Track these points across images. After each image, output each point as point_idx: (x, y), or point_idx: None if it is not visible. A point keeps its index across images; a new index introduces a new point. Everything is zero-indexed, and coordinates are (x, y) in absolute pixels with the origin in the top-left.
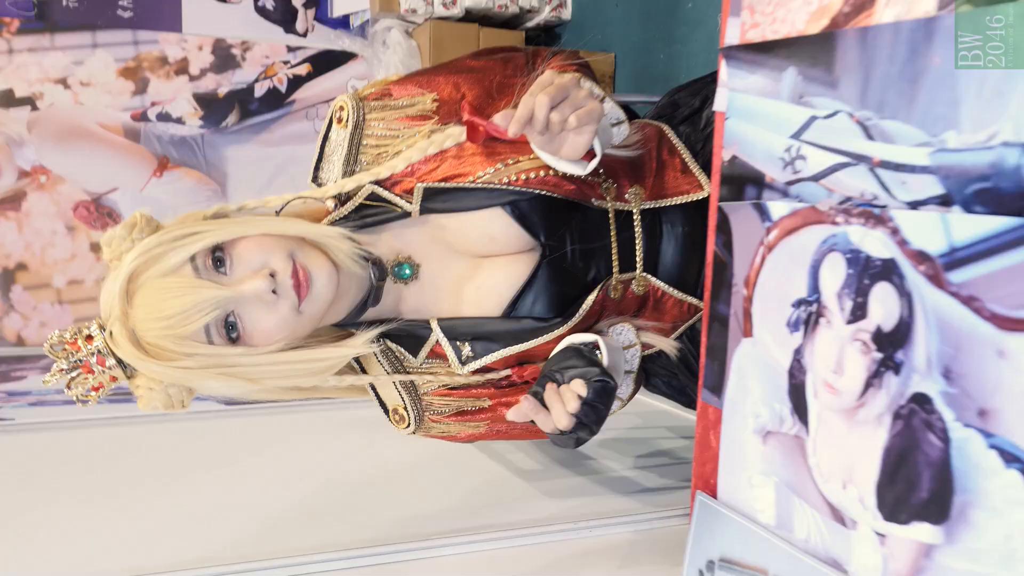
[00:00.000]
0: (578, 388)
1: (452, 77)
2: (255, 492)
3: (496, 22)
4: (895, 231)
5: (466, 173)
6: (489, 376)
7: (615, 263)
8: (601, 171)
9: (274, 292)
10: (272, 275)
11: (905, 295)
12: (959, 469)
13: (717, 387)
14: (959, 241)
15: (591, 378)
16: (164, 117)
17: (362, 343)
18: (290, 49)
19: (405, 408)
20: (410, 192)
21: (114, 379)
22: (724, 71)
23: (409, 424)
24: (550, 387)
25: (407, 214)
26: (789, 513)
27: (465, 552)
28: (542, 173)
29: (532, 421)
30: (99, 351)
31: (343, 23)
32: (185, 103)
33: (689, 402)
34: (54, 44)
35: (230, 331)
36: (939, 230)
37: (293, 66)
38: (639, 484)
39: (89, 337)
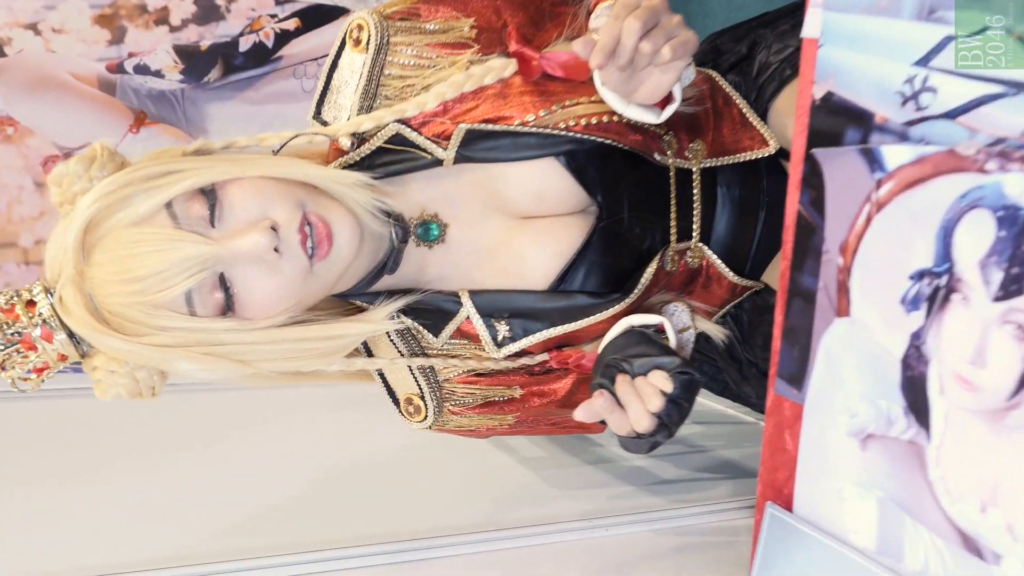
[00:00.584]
0: (661, 383)
1: (491, 1)
2: (243, 479)
3: None
4: None
5: (512, 116)
6: (524, 360)
7: (673, 230)
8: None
9: (276, 250)
10: (274, 228)
11: None
12: None
13: (797, 377)
14: None
15: (673, 370)
16: (142, 69)
17: (383, 316)
18: (278, 2)
19: (422, 397)
20: (443, 136)
21: (63, 357)
22: None
23: (426, 417)
24: (622, 380)
25: (437, 162)
26: (897, 537)
27: (473, 552)
28: (604, 119)
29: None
30: (44, 321)
31: None
32: (165, 55)
33: (722, 389)
34: None
35: (225, 297)
36: None
37: (281, 20)
38: (654, 475)
39: (31, 303)
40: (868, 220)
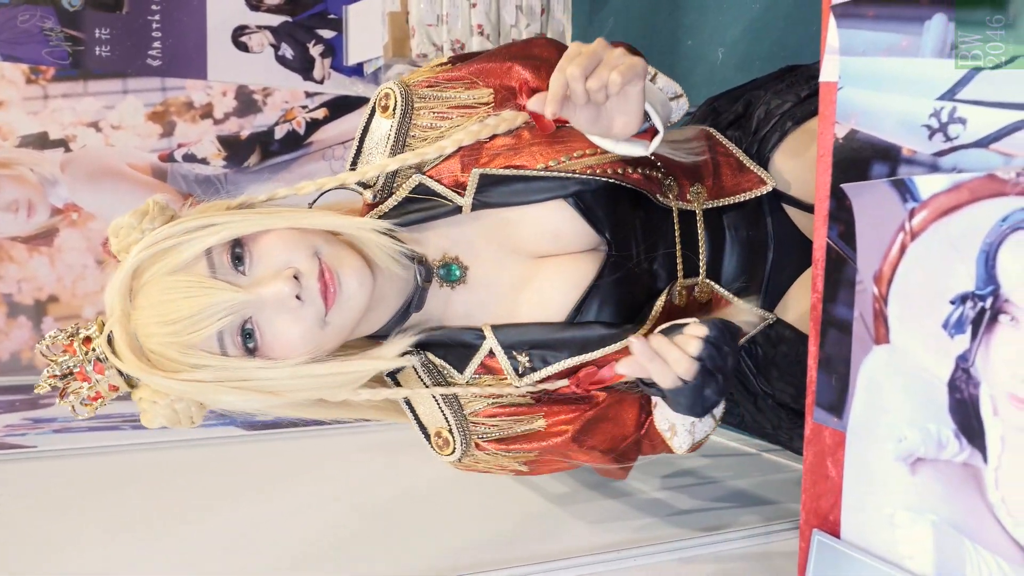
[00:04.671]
0: (696, 329)
1: (508, 64)
2: (278, 523)
3: None
4: None
5: (524, 164)
6: (545, 387)
7: (679, 267)
8: (662, 168)
9: (299, 297)
10: (297, 277)
11: None
12: None
13: (836, 406)
14: None
15: (705, 321)
16: (190, 158)
17: (394, 353)
18: (308, 95)
19: (450, 431)
20: (461, 185)
21: (114, 388)
22: (834, 34)
23: (454, 450)
24: (655, 334)
25: (457, 209)
26: (958, 560)
27: None
28: (609, 170)
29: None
30: (97, 358)
31: (357, 70)
32: (209, 144)
33: (739, 423)
34: (87, 90)
35: (247, 340)
36: None
37: (311, 110)
38: (672, 506)
39: (87, 339)
40: (903, 249)
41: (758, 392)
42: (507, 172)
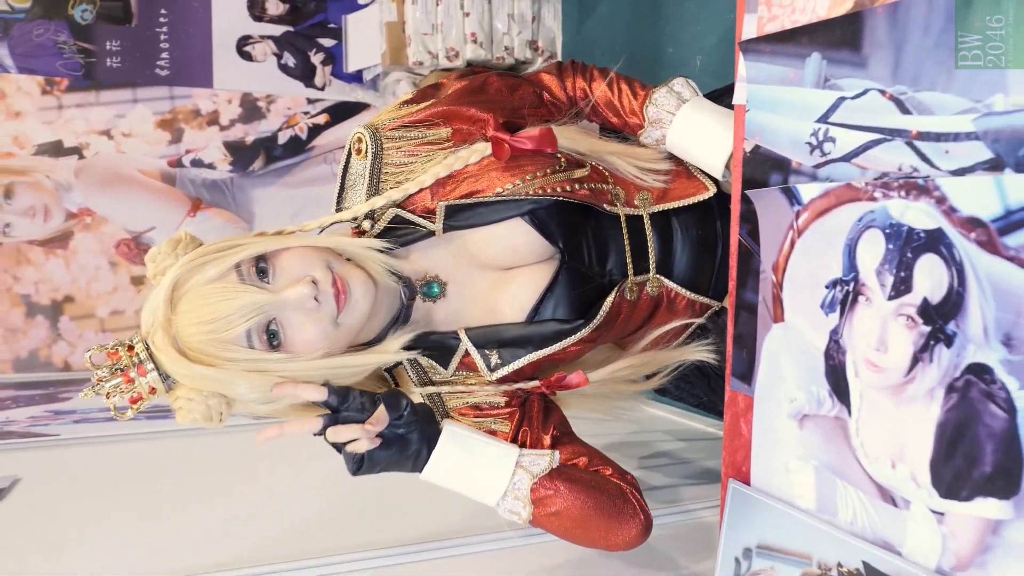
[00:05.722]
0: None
1: (465, 108)
2: (283, 499)
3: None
4: (941, 200)
5: (485, 188)
6: (519, 386)
7: (629, 266)
8: (611, 180)
9: (316, 300)
10: (314, 283)
11: (955, 264)
12: None
13: (747, 375)
14: (1015, 203)
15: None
16: (197, 163)
17: (395, 348)
18: (310, 101)
19: None
20: (432, 211)
21: (153, 391)
22: (743, 66)
23: None
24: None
25: (431, 233)
26: (831, 496)
27: (485, 551)
28: (559, 188)
29: None
30: (140, 361)
31: (357, 77)
32: (216, 150)
33: (697, 403)
34: (99, 100)
35: (271, 338)
36: (992, 194)
37: (313, 116)
38: (645, 483)
39: (130, 347)
40: (792, 244)
41: (711, 374)
42: (468, 201)
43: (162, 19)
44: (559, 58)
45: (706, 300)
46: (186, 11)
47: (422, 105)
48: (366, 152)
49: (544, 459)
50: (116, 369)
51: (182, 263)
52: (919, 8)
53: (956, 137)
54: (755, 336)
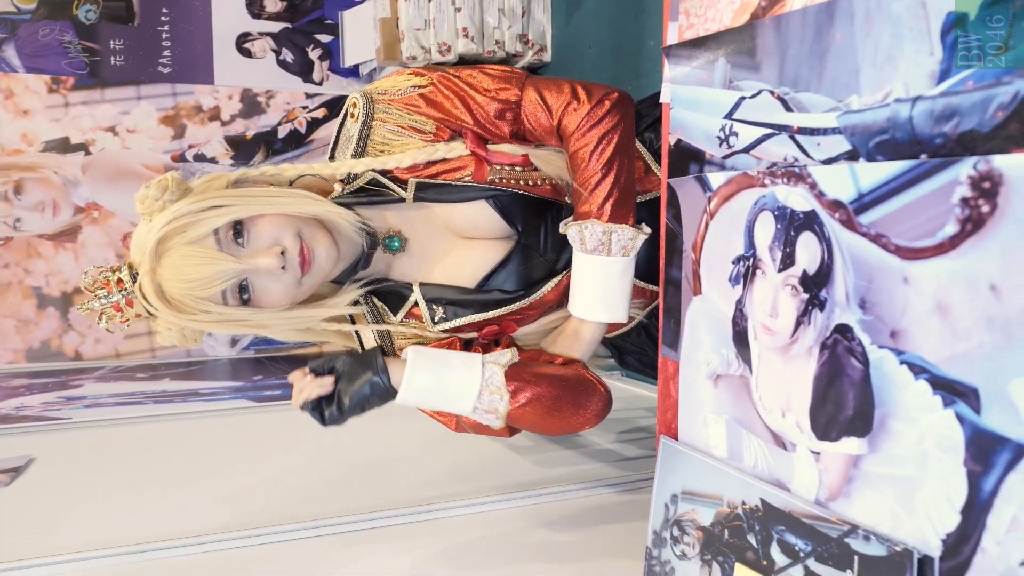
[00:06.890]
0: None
1: (452, 110)
2: (288, 469)
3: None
4: (813, 185)
5: (454, 173)
6: (459, 335)
7: None
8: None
9: (283, 268)
10: (283, 252)
11: (825, 240)
12: (878, 386)
13: (674, 343)
14: (865, 187)
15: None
16: (200, 157)
17: (345, 303)
18: (308, 96)
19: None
20: (405, 182)
21: (139, 315)
22: (667, 68)
23: None
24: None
25: (402, 199)
26: (739, 445)
27: (464, 514)
28: (522, 182)
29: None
30: (130, 293)
31: (353, 72)
32: (218, 145)
33: (655, 373)
34: (104, 97)
35: (242, 292)
36: (848, 180)
37: (311, 110)
38: (620, 454)
39: (120, 281)
40: (706, 225)
41: None
42: (437, 181)
43: (164, 18)
44: (548, 52)
45: (655, 288)
46: (187, 10)
47: (420, 93)
48: (358, 117)
49: (506, 355)
50: (107, 301)
51: (167, 219)
52: (796, 21)
53: (825, 132)
54: (680, 308)
